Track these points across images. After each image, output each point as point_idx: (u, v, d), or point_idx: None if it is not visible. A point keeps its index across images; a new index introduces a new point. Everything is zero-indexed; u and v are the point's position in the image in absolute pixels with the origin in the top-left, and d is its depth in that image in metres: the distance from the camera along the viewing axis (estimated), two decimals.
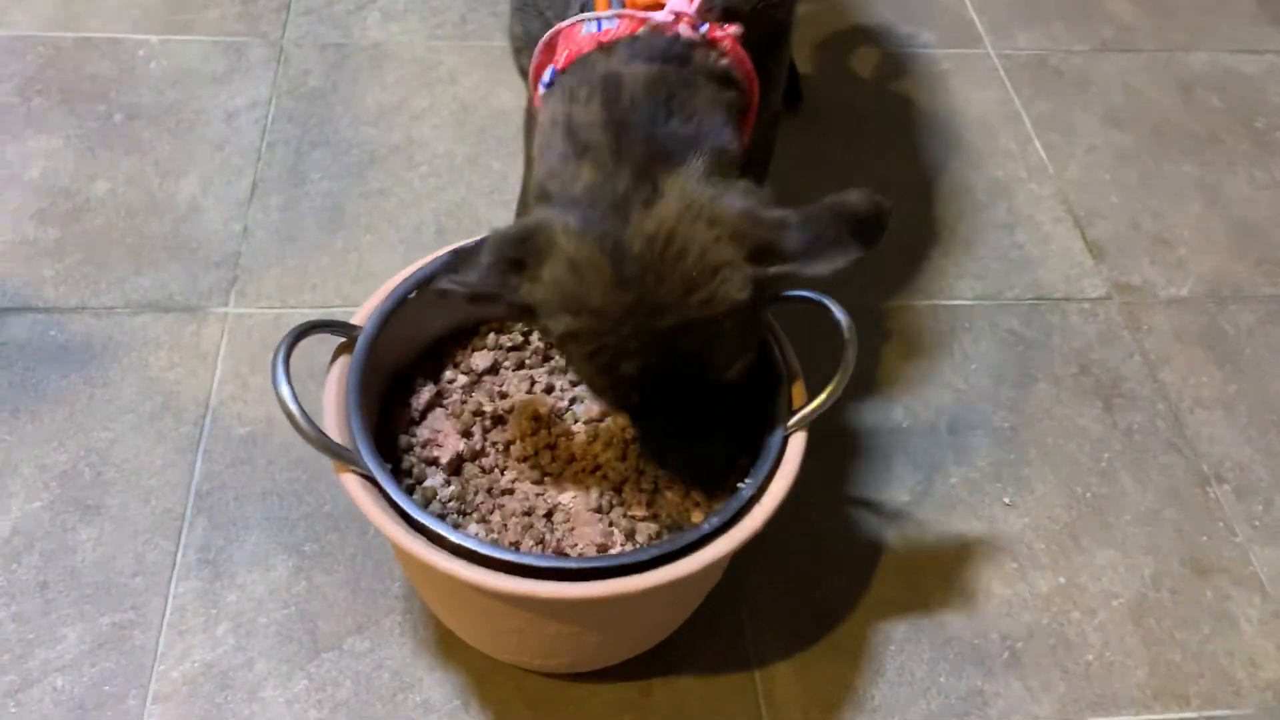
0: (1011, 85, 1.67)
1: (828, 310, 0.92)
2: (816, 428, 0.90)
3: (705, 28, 0.88)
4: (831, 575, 1.09)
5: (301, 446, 1.13)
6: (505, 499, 0.93)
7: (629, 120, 0.82)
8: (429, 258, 0.99)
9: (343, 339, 0.94)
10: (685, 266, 0.78)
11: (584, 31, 0.88)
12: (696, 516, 0.92)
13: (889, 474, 1.18)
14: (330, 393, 0.89)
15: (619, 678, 0.99)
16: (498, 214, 1.40)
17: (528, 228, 0.81)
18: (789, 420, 0.89)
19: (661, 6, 0.88)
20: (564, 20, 0.90)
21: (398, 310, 0.95)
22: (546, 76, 0.90)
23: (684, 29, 0.87)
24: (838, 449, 1.19)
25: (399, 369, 1.00)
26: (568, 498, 0.93)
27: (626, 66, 0.85)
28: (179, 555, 1.06)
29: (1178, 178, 1.56)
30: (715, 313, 0.79)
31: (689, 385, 0.83)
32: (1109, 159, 1.57)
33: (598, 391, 0.86)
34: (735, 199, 0.80)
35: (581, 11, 0.90)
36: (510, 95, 1.56)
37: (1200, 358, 1.33)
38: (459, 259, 0.81)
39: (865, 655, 1.04)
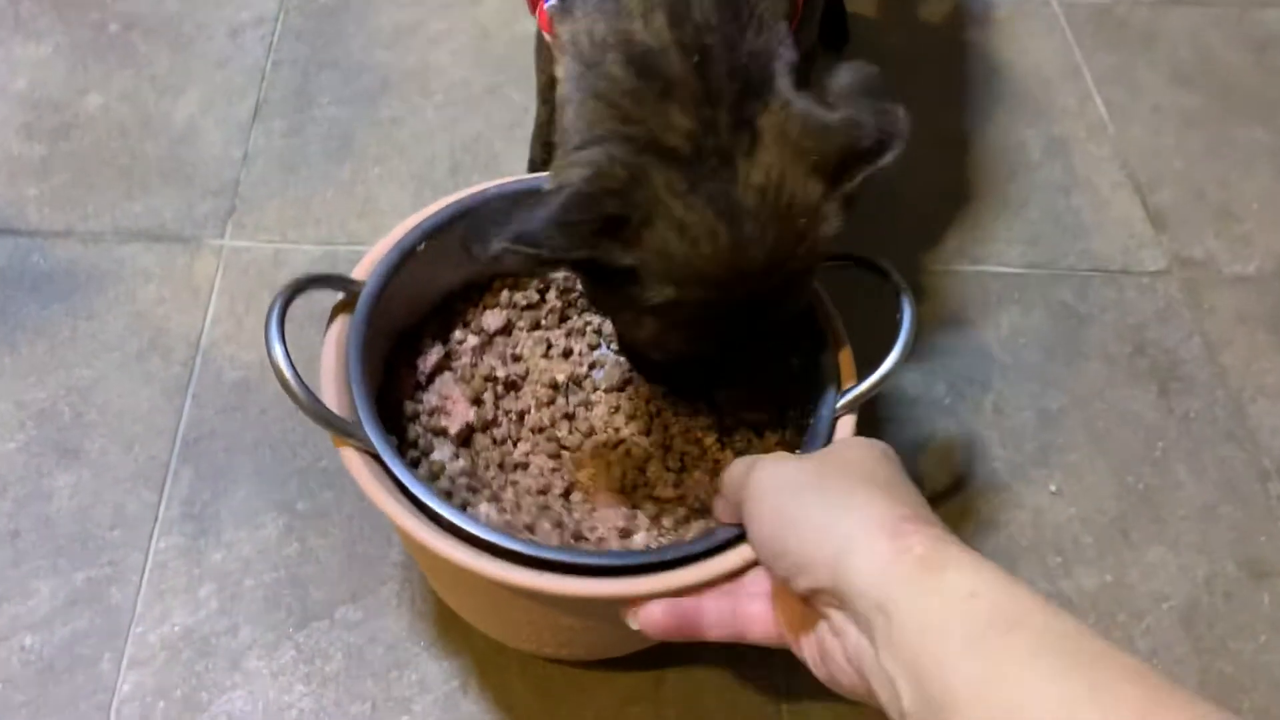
0: (1073, 35, 1.55)
1: (880, 274, 0.83)
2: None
3: None
4: None
5: None
6: (518, 474, 0.85)
7: (707, 44, 0.69)
8: (437, 205, 0.89)
9: (342, 295, 0.84)
10: (794, 217, 0.69)
11: None
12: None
13: (928, 453, 1.10)
14: (329, 357, 0.79)
15: (632, 666, 0.91)
16: (517, 151, 1.30)
17: (624, 182, 0.67)
18: (837, 401, 0.79)
19: None
20: None
21: (404, 263, 0.85)
22: None
23: None
24: (873, 424, 1.11)
25: (404, 328, 0.90)
26: (586, 475, 0.85)
27: None
28: (161, 508, 0.99)
29: (1248, 144, 1.45)
30: (816, 258, 0.71)
31: (768, 330, 0.74)
32: (1174, 121, 1.46)
33: (667, 352, 0.77)
34: (814, 117, 0.69)
35: None
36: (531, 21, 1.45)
37: (1265, 342, 1.23)
38: (507, 210, 0.67)
39: None
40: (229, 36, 1.38)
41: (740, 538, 0.69)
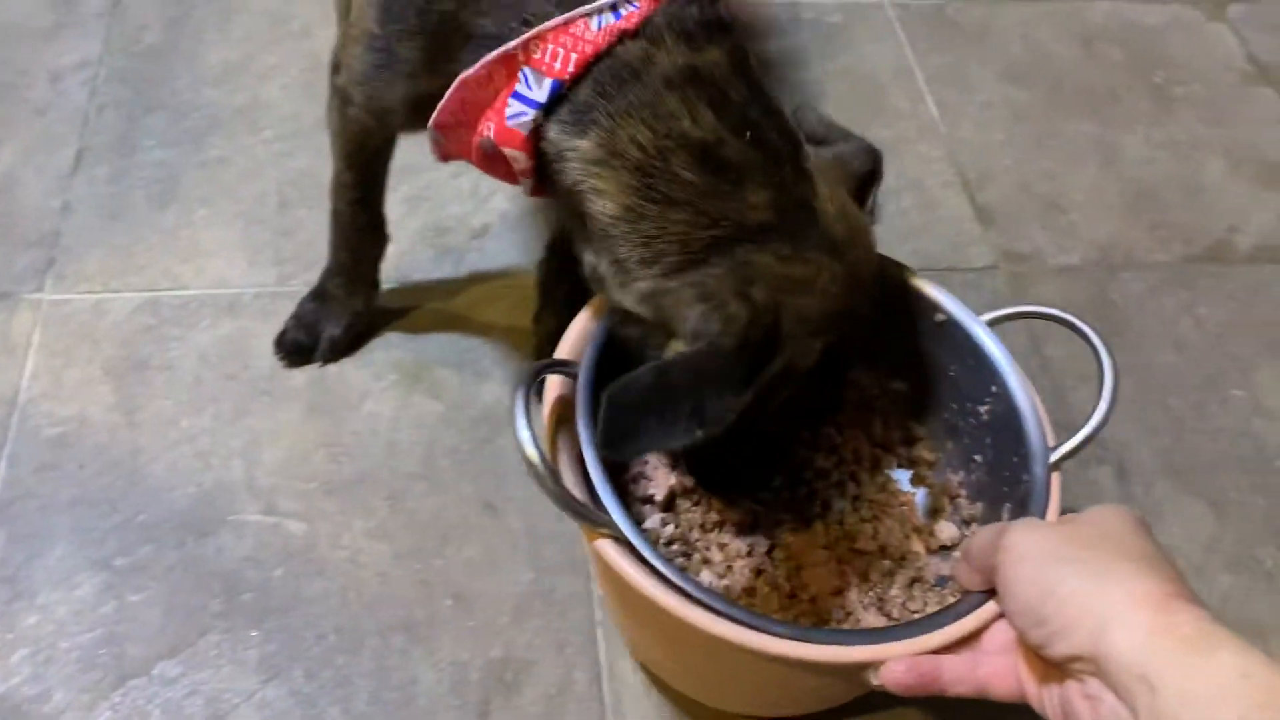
0: (906, 37, 1.58)
1: (1072, 329, 0.88)
2: None
3: None
4: None
5: (117, 448, 1.05)
6: (719, 534, 0.88)
7: (752, 118, 0.73)
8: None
9: (563, 375, 0.81)
10: (864, 233, 0.78)
11: (596, 25, 0.72)
12: (916, 545, 0.90)
13: None
14: (564, 445, 0.78)
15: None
16: None
17: (750, 309, 0.69)
18: (1049, 458, 0.81)
19: None
20: (537, 23, 0.73)
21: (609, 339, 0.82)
22: (537, 93, 0.73)
23: None
24: None
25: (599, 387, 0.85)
26: (786, 531, 0.89)
27: (694, 54, 0.73)
28: None
29: (1075, 137, 1.49)
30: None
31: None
32: (1004, 117, 1.50)
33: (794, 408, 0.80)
34: (834, 153, 0.81)
35: (516, 9, 0.73)
36: None
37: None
38: (645, 401, 0.67)
39: None
40: (50, 82, 1.36)
41: (977, 603, 0.72)
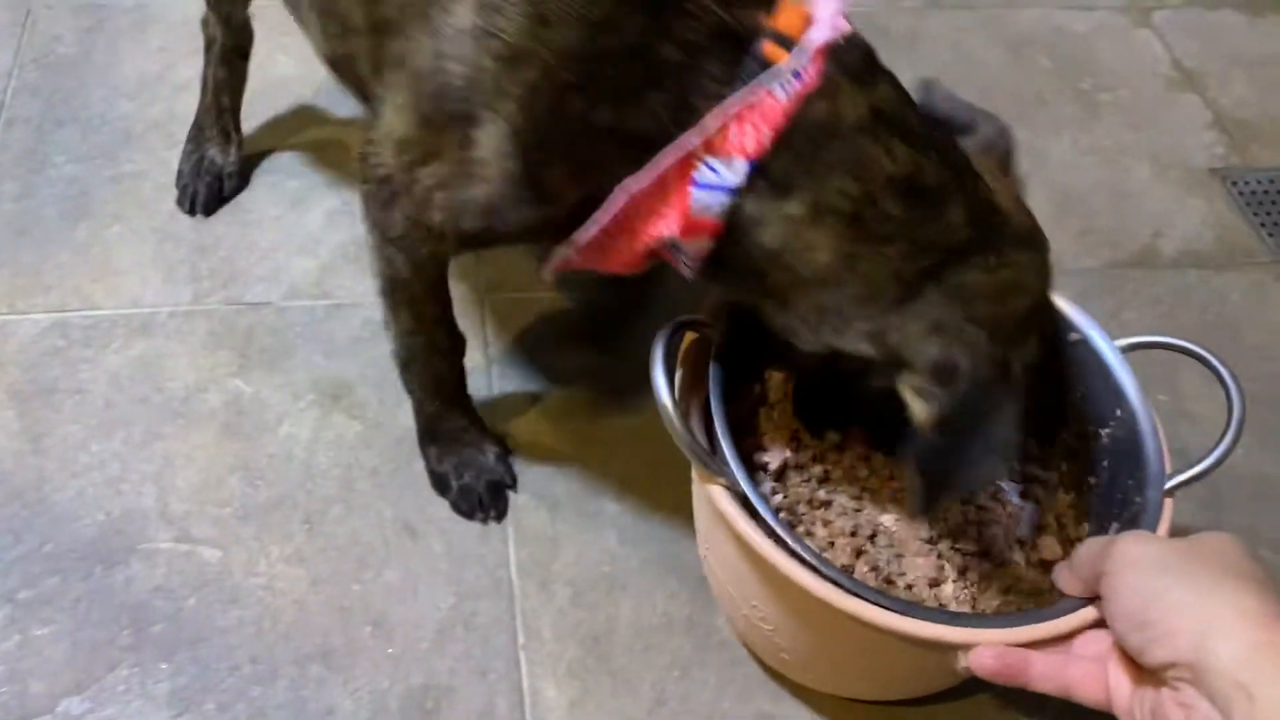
0: None
1: (1201, 361, 0.91)
2: None
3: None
4: None
5: (21, 476, 1.02)
6: (825, 512, 0.93)
7: (929, 135, 0.74)
8: None
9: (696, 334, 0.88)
10: (1028, 210, 0.81)
11: (783, 95, 0.70)
12: (1017, 555, 0.93)
13: None
14: (693, 397, 0.87)
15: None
16: (260, 195, 1.27)
17: (977, 339, 0.73)
18: (1165, 484, 0.84)
19: (807, 16, 0.73)
20: (706, 108, 0.71)
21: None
22: (730, 177, 0.72)
23: (844, 26, 0.74)
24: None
25: (728, 364, 0.87)
26: (890, 520, 0.93)
27: (871, 95, 0.73)
28: None
29: None
30: None
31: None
32: None
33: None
34: (969, 139, 0.81)
35: (665, 90, 0.71)
36: (291, 61, 1.42)
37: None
38: (954, 449, 0.73)
39: None
40: None
41: (1075, 606, 0.75)
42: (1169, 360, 1.26)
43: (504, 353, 1.17)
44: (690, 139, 0.71)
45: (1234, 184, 1.50)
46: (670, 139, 0.71)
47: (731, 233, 0.74)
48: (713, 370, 0.85)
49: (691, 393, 0.88)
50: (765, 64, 0.70)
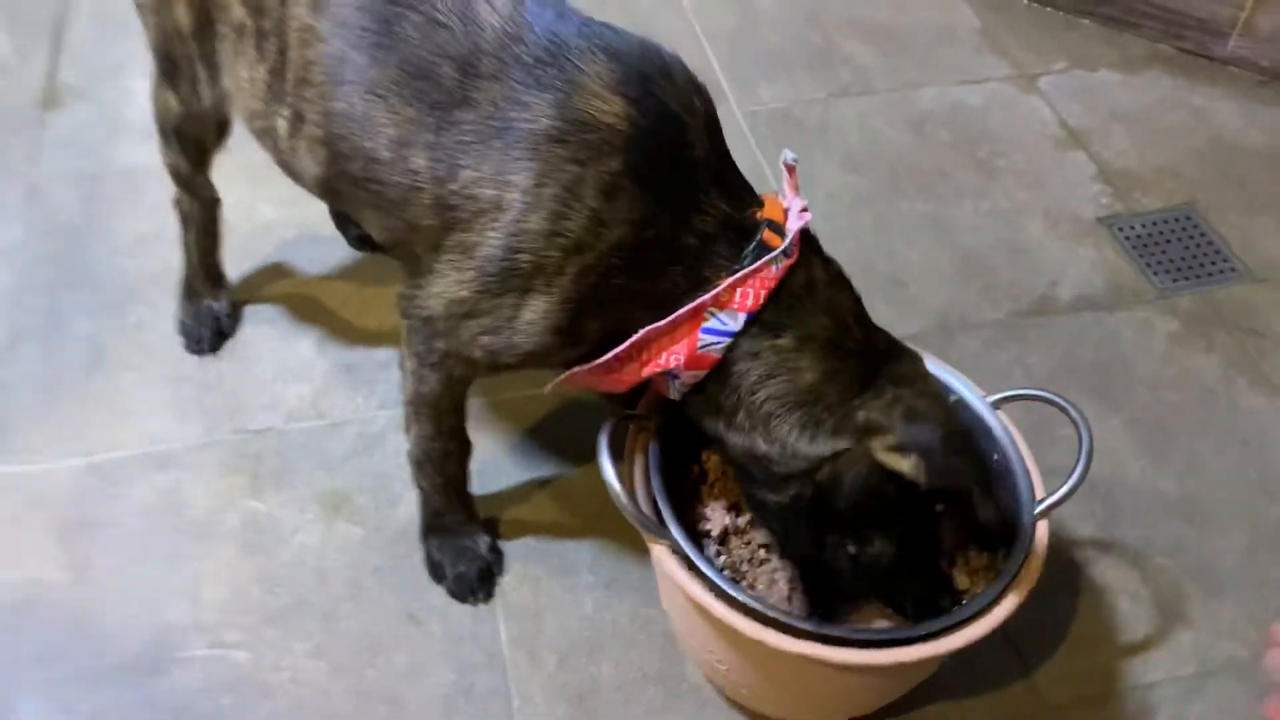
0: (755, 141, 1.77)
1: (1058, 409, 1.11)
2: None
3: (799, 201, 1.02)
4: None
5: (72, 603, 1.17)
6: (765, 567, 1.09)
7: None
8: None
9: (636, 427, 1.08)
10: None
11: (775, 267, 0.96)
12: (963, 581, 1.09)
13: None
14: (638, 475, 1.05)
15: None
16: (255, 331, 1.44)
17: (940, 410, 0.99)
18: (1035, 510, 1.03)
19: (784, 208, 0.99)
20: (717, 278, 0.95)
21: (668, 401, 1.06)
22: (732, 324, 0.96)
23: (807, 215, 0.99)
24: None
25: (669, 452, 1.09)
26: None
27: (828, 266, 1.01)
28: None
29: (910, 216, 1.68)
30: None
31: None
32: (846, 204, 1.69)
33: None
34: None
35: (684, 265, 0.95)
36: (272, 208, 1.59)
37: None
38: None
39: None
40: None
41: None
42: (1072, 400, 1.44)
43: (489, 450, 1.33)
44: (708, 299, 0.95)
45: (1120, 230, 1.68)
46: (686, 300, 0.96)
47: (724, 367, 0.97)
48: (652, 451, 1.04)
49: (640, 473, 1.05)
50: (765, 246, 0.96)
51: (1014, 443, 1.09)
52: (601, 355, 0.98)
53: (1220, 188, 1.75)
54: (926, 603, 1.01)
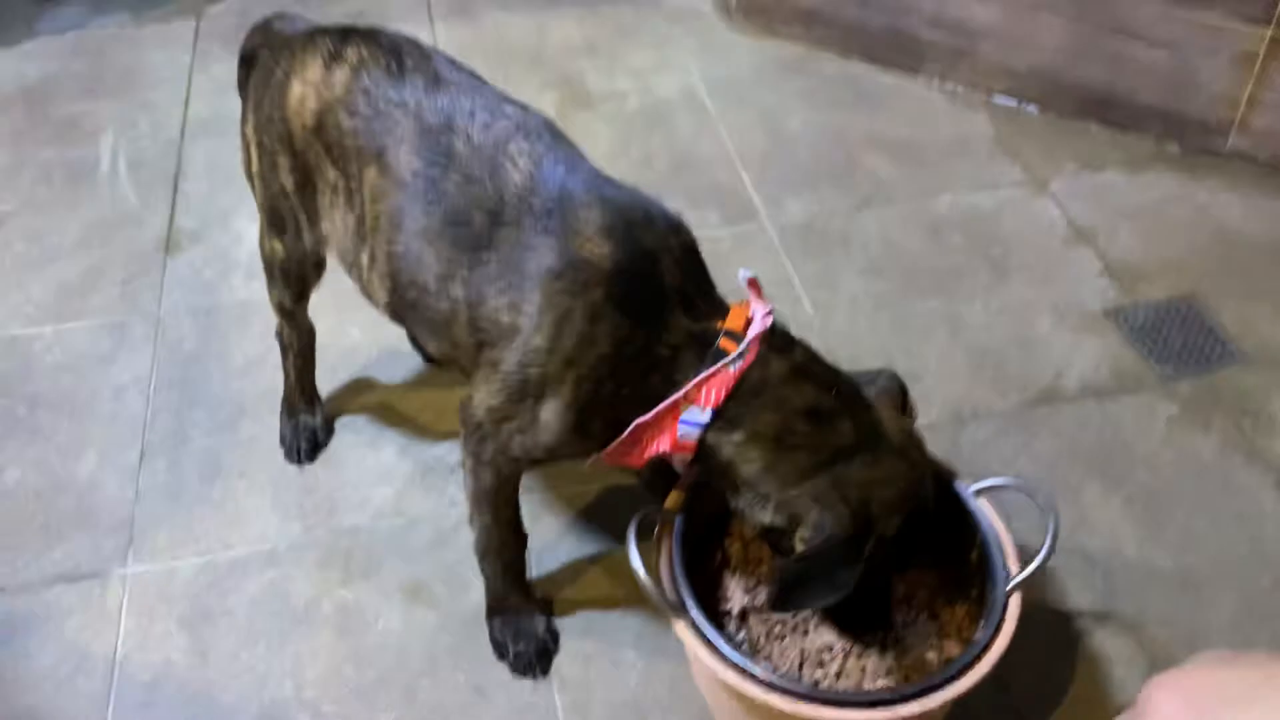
0: (785, 251, 1.96)
1: (1028, 496, 1.25)
2: None
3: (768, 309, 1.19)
4: None
5: (195, 683, 1.39)
6: (782, 643, 1.24)
7: (831, 381, 1.16)
8: None
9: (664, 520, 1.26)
10: (913, 433, 1.19)
11: (731, 369, 1.13)
12: (930, 654, 1.22)
13: None
14: (663, 564, 1.21)
15: None
16: (345, 440, 1.66)
17: (850, 505, 1.10)
18: (1008, 584, 1.17)
19: (748, 317, 1.16)
20: (686, 379, 1.13)
21: (697, 493, 1.26)
22: (700, 417, 1.13)
23: (770, 319, 1.17)
24: None
25: (694, 538, 1.27)
26: (834, 638, 1.24)
27: (788, 359, 1.15)
28: None
29: (925, 314, 1.84)
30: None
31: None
32: (868, 306, 1.86)
33: (899, 560, 1.17)
34: (875, 384, 1.23)
35: (661, 372, 1.14)
36: (359, 332, 1.83)
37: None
38: (802, 574, 1.10)
39: None
40: (114, 397, 1.74)
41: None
42: (1076, 482, 1.58)
43: (545, 536, 1.52)
44: (679, 396, 1.14)
45: (1124, 320, 1.82)
46: (664, 398, 1.15)
47: (702, 451, 1.17)
48: (675, 539, 1.22)
49: (666, 559, 1.23)
50: (722, 352, 1.14)
51: (992, 525, 1.23)
52: (609, 444, 1.18)
53: (1221, 277, 1.89)
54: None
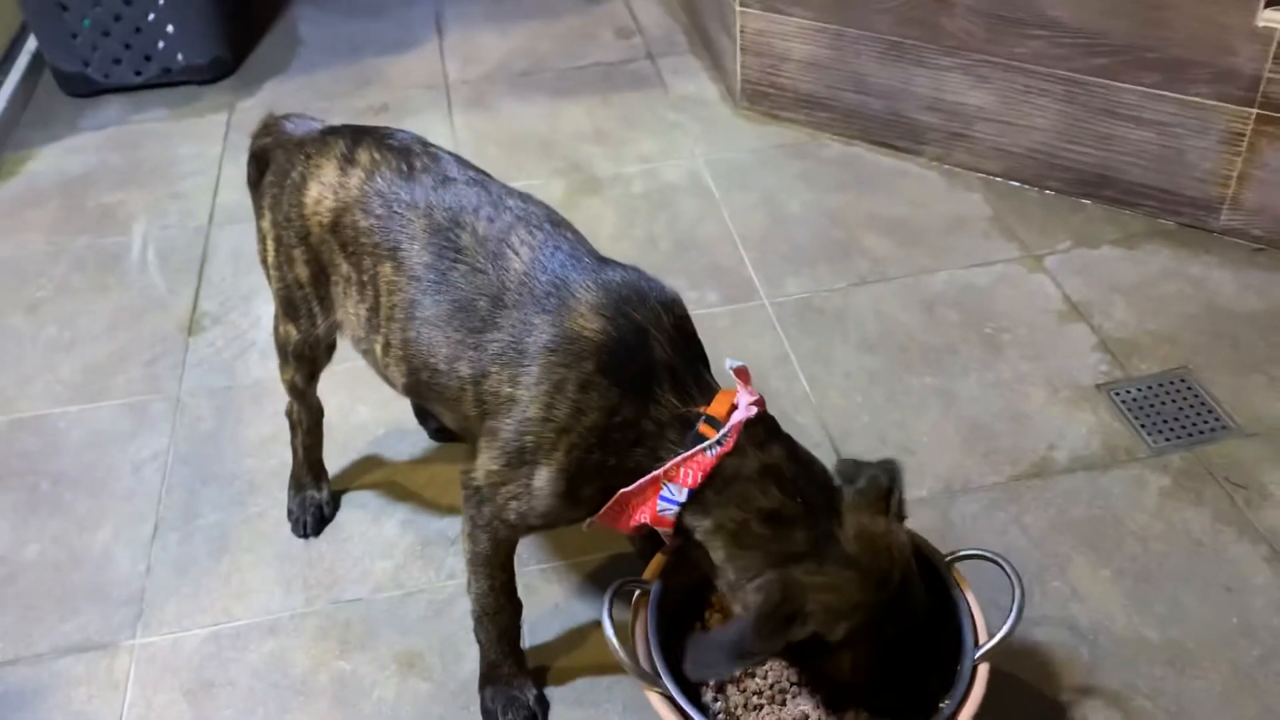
0: (781, 329, 2.01)
1: (998, 566, 1.28)
2: None
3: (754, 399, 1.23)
4: None
5: None
6: (758, 714, 1.27)
7: (800, 486, 1.19)
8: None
9: (639, 591, 1.31)
10: (880, 542, 1.18)
11: (710, 453, 1.18)
12: None
13: None
14: (639, 634, 1.25)
15: None
16: (350, 515, 1.71)
17: (786, 594, 1.12)
18: (976, 654, 1.20)
19: (733, 404, 1.20)
20: (669, 457, 1.19)
21: (676, 565, 1.31)
22: (678, 496, 1.19)
23: (755, 410, 1.20)
24: None
25: (673, 610, 1.32)
26: (810, 708, 1.28)
27: (764, 455, 1.19)
28: None
29: (919, 389, 1.88)
30: (909, 559, 1.21)
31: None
32: (862, 382, 1.90)
33: (866, 671, 1.20)
34: (857, 489, 1.21)
35: (645, 446, 1.20)
36: (367, 410, 1.90)
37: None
38: (717, 644, 1.14)
39: None
40: (132, 473, 1.81)
41: None
42: (1065, 554, 1.59)
43: (540, 607, 1.55)
44: (659, 473, 1.20)
45: (1116, 394, 1.84)
46: (648, 472, 1.21)
47: (679, 527, 1.22)
48: (651, 610, 1.26)
49: (641, 629, 1.26)
50: (701, 437, 1.19)
51: (964, 595, 1.25)
52: (598, 511, 1.23)
53: (1213, 350, 1.91)
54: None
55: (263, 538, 1.70)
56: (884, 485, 1.23)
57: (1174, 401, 1.82)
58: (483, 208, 1.32)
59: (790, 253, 2.20)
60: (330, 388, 1.91)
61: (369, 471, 1.80)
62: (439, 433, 1.82)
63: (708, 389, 1.23)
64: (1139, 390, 1.85)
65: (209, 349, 2.06)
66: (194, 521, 1.73)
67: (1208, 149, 2.08)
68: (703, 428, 1.19)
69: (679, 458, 1.18)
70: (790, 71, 2.50)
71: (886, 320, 2.02)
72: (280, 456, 1.81)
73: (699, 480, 1.18)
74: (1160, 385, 1.85)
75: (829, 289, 2.10)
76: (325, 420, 1.74)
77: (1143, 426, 1.78)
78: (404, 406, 1.81)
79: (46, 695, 1.50)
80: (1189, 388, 1.84)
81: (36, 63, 2.94)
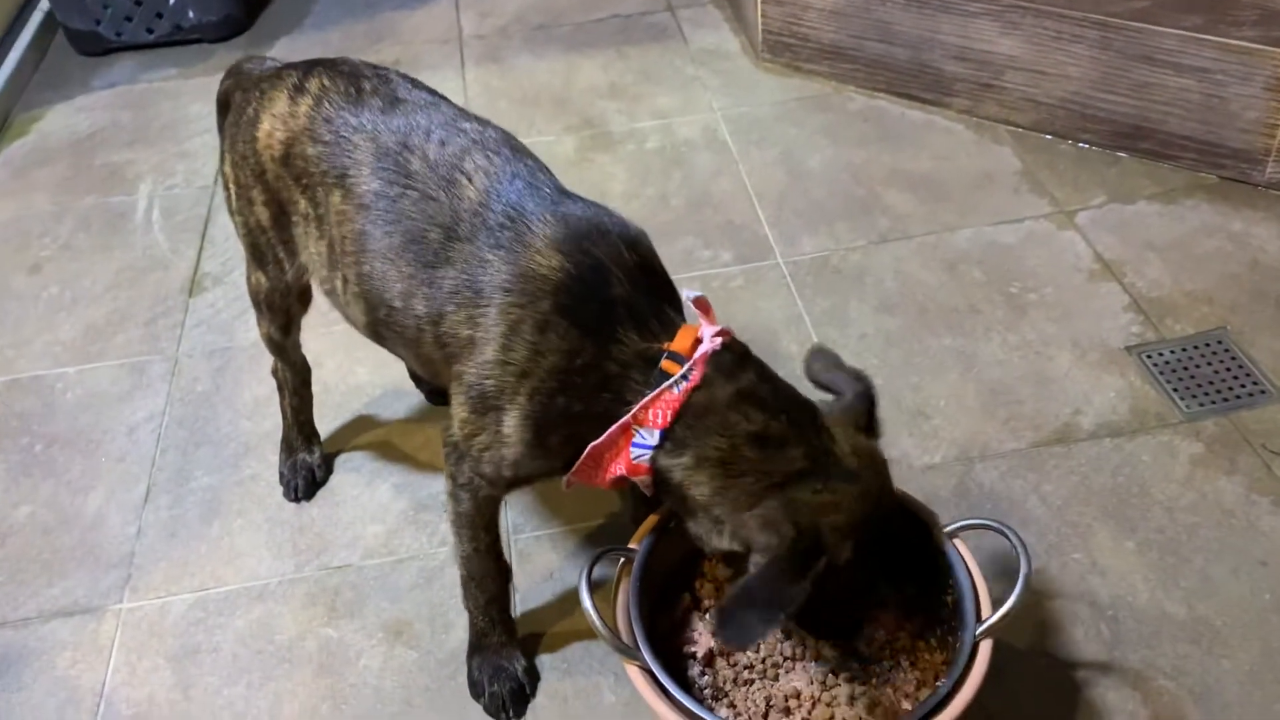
0: (796, 289, 1.93)
1: (1003, 536, 1.20)
2: None
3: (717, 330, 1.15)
4: None
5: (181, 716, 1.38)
6: (748, 689, 1.22)
7: (784, 407, 1.12)
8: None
9: (624, 559, 1.24)
10: (876, 456, 1.14)
11: (676, 391, 1.11)
12: (906, 704, 1.19)
13: None
14: (620, 605, 1.19)
15: None
16: (343, 479, 1.67)
17: (799, 529, 1.05)
18: (978, 629, 1.13)
19: (698, 338, 1.13)
20: (636, 400, 1.11)
21: (660, 537, 1.25)
22: (650, 440, 1.11)
23: (719, 340, 1.13)
24: None
25: (662, 582, 1.27)
26: (803, 684, 1.22)
27: (735, 383, 1.12)
28: None
29: (938, 351, 1.79)
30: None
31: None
32: (878, 344, 1.81)
33: (862, 590, 1.13)
34: (840, 403, 1.17)
35: (611, 390, 1.12)
36: (365, 371, 1.85)
37: (947, 518, 1.52)
38: (748, 602, 1.04)
39: None
40: (127, 435, 1.78)
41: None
42: (1086, 525, 1.50)
43: (532, 576, 1.50)
44: (628, 418, 1.12)
45: (1148, 357, 1.74)
46: (616, 418, 1.13)
47: (656, 474, 1.14)
48: (634, 581, 1.19)
49: (623, 599, 1.19)
50: (665, 374, 1.11)
51: (966, 568, 1.18)
52: (572, 466, 1.16)
53: (1254, 310, 1.79)
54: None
55: (254, 501, 1.66)
56: (866, 404, 1.18)
57: (1209, 364, 1.72)
58: (435, 130, 1.24)
59: (808, 210, 2.11)
60: (328, 348, 1.87)
61: (365, 433, 1.75)
62: (433, 394, 1.77)
63: (670, 324, 1.15)
64: (1172, 353, 1.75)
65: (209, 310, 2.02)
66: (186, 484, 1.69)
67: (1253, 97, 1.95)
68: (666, 364, 1.12)
69: (645, 400, 1.11)
70: (813, 20, 2.39)
71: (906, 280, 1.93)
72: (275, 419, 1.76)
73: (669, 419, 1.11)
74: (1195, 347, 1.75)
75: (847, 247, 2.01)
76: (322, 381, 1.69)
77: (1175, 391, 1.68)
78: (403, 368, 1.76)
79: (30, 660, 1.47)
80: (1226, 350, 1.74)
81: (49, 22, 2.91)
